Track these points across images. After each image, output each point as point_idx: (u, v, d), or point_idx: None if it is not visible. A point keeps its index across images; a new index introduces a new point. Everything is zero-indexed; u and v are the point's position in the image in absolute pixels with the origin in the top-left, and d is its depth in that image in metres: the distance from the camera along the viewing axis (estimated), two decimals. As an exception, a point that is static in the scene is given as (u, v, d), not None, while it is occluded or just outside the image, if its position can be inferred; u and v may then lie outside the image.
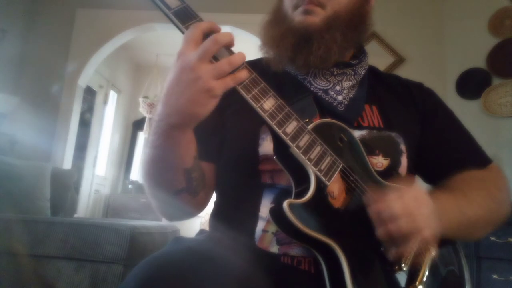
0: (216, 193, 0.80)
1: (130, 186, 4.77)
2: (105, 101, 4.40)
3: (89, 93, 3.99)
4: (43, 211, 2.22)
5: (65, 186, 2.52)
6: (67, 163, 3.04)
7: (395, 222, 0.55)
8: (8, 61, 2.98)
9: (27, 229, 1.69)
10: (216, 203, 0.79)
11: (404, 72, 2.76)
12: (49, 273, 1.61)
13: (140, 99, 4.44)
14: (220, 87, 0.56)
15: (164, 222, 3.10)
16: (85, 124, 3.89)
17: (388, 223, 0.56)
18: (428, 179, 0.82)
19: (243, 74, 0.57)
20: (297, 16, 0.73)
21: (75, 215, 2.86)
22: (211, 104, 0.57)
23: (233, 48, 0.60)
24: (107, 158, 4.55)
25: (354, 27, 0.75)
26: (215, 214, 0.78)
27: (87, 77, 3.25)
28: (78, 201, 3.35)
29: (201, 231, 0.79)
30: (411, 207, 0.57)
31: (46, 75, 3.07)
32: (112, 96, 4.61)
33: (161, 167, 0.67)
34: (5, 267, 1.61)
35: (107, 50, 3.26)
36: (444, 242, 0.68)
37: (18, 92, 2.93)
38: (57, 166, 2.77)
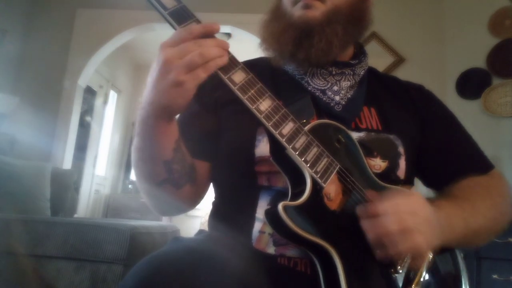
0: (214, 193, 0.80)
1: (130, 186, 4.77)
2: (105, 101, 4.39)
3: (89, 93, 3.98)
4: (43, 211, 2.22)
5: (65, 186, 2.52)
6: (67, 163, 3.04)
7: (392, 238, 0.55)
8: (8, 61, 2.98)
9: (27, 229, 1.69)
10: (214, 204, 0.79)
11: (404, 72, 2.78)
12: (49, 273, 1.61)
13: (140, 99, 4.43)
14: (190, 80, 0.55)
15: (164, 222, 3.10)
16: (85, 124, 3.89)
17: (385, 238, 0.56)
18: (428, 182, 0.82)
19: (218, 62, 0.56)
20: (297, 11, 0.72)
21: (75, 215, 2.86)
22: (183, 98, 0.57)
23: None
24: (107, 158, 4.54)
25: (354, 21, 0.74)
26: (213, 214, 0.78)
27: (87, 77, 3.25)
28: (78, 201, 3.34)
29: (200, 231, 0.79)
30: (408, 222, 0.56)
31: (46, 75, 3.07)
32: (112, 96, 4.61)
33: (142, 157, 0.67)
34: (5, 267, 1.61)
35: (107, 50, 3.25)
36: (445, 248, 0.68)
37: (18, 92, 2.93)
38: (57, 166, 2.77)
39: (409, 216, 0.56)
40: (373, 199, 0.59)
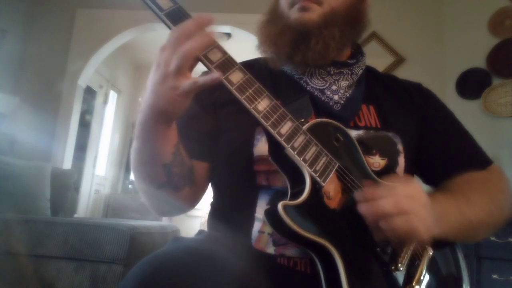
0: (213, 193, 0.80)
1: (130, 186, 4.77)
2: (105, 101, 4.39)
3: (89, 93, 3.98)
4: (43, 211, 2.22)
5: (65, 186, 2.53)
6: (67, 163, 3.04)
7: (389, 220, 0.55)
8: (8, 61, 2.98)
9: (27, 229, 1.70)
10: (213, 204, 0.79)
11: (404, 72, 2.78)
12: (49, 273, 1.62)
13: (140, 99, 4.44)
14: (188, 85, 0.55)
15: (164, 222, 3.10)
16: (85, 124, 3.89)
17: (382, 220, 0.56)
18: (427, 180, 0.82)
19: (214, 74, 0.56)
20: (294, 14, 0.73)
21: (75, 215, 2.86)
22: (181, 103, 0.57)
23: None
24: (107, 158, 4.54)
25: (351, 24, 0.75)
26: (213, 215, 0.78)
27: (87, 77, 3.25)
28: (78, 201, 3.35)
29: (201, 231, 0.79)
30: (405, 204, 0.56)
31: (46, 75, 3.08)
32: (112, 96, 4.61)
33: (142, 159, 0.67)
34: (5, 267, 1.61)
35: (107, 50, 3.26)
36: (444, 243, 0.67)
37: (18, 92, 2.93)
38: (57, 166, 2.77)
39: (406, 199, 0.56)
40: (369, 193, 0.59)
